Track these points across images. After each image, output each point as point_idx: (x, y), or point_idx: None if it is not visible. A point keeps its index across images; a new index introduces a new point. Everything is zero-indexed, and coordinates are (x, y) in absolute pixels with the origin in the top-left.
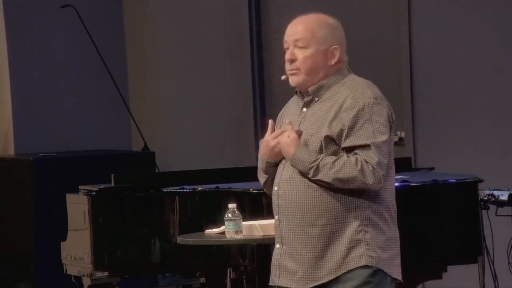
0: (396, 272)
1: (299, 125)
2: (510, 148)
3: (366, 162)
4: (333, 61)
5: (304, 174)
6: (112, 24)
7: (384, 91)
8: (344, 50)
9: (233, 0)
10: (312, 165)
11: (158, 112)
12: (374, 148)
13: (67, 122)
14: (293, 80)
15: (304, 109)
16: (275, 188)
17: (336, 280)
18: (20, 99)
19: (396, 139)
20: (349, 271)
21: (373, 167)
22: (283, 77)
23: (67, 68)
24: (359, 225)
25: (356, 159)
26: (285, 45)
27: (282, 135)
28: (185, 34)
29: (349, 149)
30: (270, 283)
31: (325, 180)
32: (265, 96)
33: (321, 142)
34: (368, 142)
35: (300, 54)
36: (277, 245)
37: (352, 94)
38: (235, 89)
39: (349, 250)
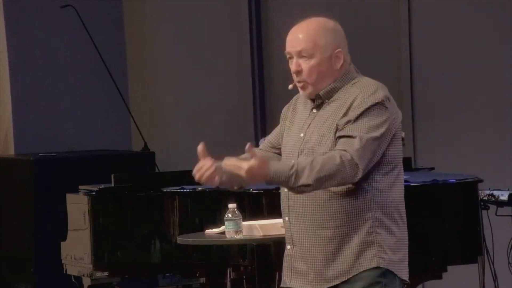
0: (405, 274)
1: (308, 125)
2: (510, 148)
3: (345, 150)
4: (338, 65)
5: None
6: (112, 24)
7: None
8: (347, 50)
9: (233, 0)
10: (291, 171)
11: (158, 112)
12: (359, 139)
13: (67, 122)
14: (303, 93)
15: (314, 110)
16: (285, 189)
17: (346, 281)
18: (20, 99)
19: None
20: (360, 272)
21: (351, 156)
22: (290, 86)
23: (67, 68)
24: (370, 227)
25: (333, 154)
26: (288, 56)
27: (242, 164)
28: (185, 34)
29: (340, 138)
30: (282, 285)
31: (308, 183)
32: (265, 96)
33: (332, 142)
34: (356, 134)
35: (305, 65)
36: (288, 246)
37: (362, 93)
38: (235, 89)
39: (361, 251)
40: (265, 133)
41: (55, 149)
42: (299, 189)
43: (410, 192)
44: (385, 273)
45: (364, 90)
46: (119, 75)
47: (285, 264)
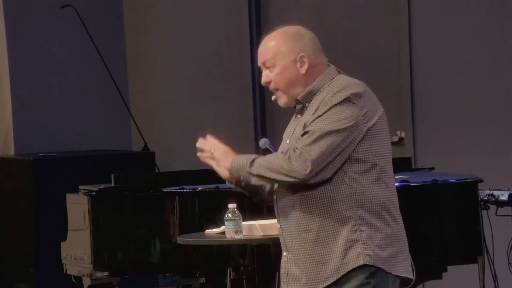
0: (399, 269)
1: (293, 131)
2: (510, 148)
3: (296, 148)
4: (303, 69)
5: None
6: (112, 24)
7: (384, 91)
8: (317, 53)
9: (233, 0)
10: (251, 158)
11: (158, 112)
12: (312, 134)
13: (67, 122)
14: (281, 103)
15: (299, 116)
16: (274, 196)
17: (335, 282)
18: (20, 99)
19: (396, 139)
20: (348, 272)
21: (300, 152)
22: (273, 98)
23: (67, 68)
24: (353, 225)
25: (287, 150)
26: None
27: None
28: (185, 34)
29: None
30: None
31: (257, 172)
32: (265, 96)
33: None
34: (312, 129)
35: (271, 75)
36: (284, 253)
37: (330, 93)
38: (235, 89)
39: (347, 250)
40: (265, 133)
41: (55, 149)
42: (250, 176)
43: (410, 192)
44: (374, 273)
45: (332, 90)
46: (119, 75)
47: (281, 271)
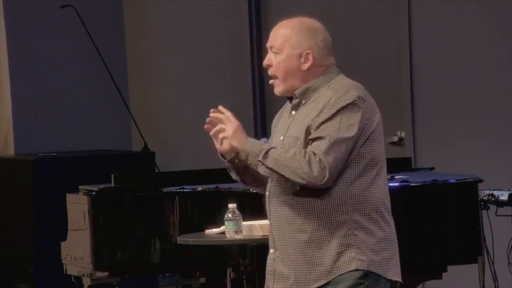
0: (392, 273)
1: (287, 128)
2: (510, 148)
3: (314, 153)
4: (306, 66)
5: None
6: (112, 24)
7: (384, 91)
8: (326, 54)
9: (233, 0)
10: (265, 146)
11: (158, 112)
12: (328, 141)
13: (67, 122)
14: (277, 91)
15: (293, 112)
16: (267, 193)
17: (326, 283)
18: (20, 99)
19: (396, 139)
20: (340, 275)
21: (320, 158)
22: (271, 81)
23: (67, 68)
24: (348, 229)
25: (306, 152)
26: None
27: (222, 129)
28: (185, 34)
29: (312, 140)
30: None
31: (271, 165)
32: (265, 96)
33: (303, 145)
34: (326, 135)
35: (274, 60)
36: (271, 250)
37: (335, 95)
38: (235, 89)
39: (339, 254)
40: (265, 133)
41: (55, 149)
42: (262, 167)
43: (410, 192)
44: (367, 275)
45: (337, 91)
46: (119, 75)
47: (268, 268)
